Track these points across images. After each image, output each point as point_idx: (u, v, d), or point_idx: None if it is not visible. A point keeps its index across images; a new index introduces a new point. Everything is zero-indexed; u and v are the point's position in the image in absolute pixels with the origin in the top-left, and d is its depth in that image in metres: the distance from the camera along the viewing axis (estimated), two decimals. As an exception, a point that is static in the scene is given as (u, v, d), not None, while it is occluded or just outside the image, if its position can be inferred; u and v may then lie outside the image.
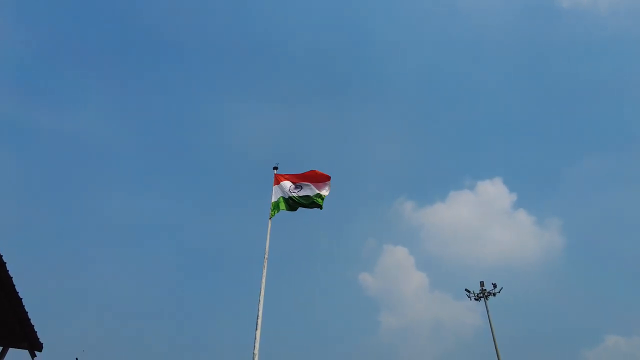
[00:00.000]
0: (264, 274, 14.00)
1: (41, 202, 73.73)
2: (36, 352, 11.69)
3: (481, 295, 30.93)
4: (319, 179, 17.87)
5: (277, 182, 17.86)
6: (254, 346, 11.86)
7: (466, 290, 31.05)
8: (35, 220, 69.89)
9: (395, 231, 76.06)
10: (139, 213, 76.33)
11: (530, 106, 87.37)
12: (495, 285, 30.58)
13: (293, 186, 17.77)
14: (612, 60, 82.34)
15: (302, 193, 17.44)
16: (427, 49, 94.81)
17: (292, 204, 17.34)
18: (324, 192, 17.49)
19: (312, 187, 17.56)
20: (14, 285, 9.41)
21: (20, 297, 9.86)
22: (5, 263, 8.77)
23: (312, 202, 17.17)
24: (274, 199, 17.08)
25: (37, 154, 79.72)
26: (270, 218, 16.22)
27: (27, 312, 10.39)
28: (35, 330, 11.10)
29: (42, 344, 11.78)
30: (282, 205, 17.18)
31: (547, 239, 66.54)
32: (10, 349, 11.63)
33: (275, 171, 17.99)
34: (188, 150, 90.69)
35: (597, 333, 49.89)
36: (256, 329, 12.24)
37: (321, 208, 17.15)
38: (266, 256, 14.58)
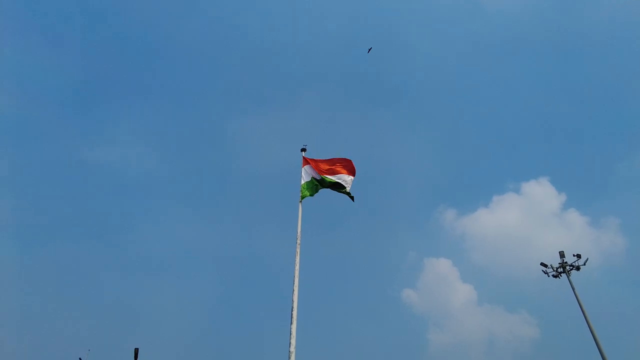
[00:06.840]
0: (297, 260, 12.29)
1: (85, 234, 75.72)
2: None
3: (561, 270, 27.10)
4: (348, 167, 16.46)
5: (306, 163, 16.60)
6: (290, 343, 10.03)
7: (542, 264, 27.30)
8: (78, 251, 71.82)
9: (436, 242, 71.31)
10: (179, 239, 76.43)
11: (572, 102, 79.45)
12: (579, 256, 26.60)
13: (325, 171, 16.44)
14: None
15: (335, 179, 16.07)
16: (458, 50, 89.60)
17: (325, 184, 15.99)
18: (349, 184, 16.08)
19: (344, 176, 16.14)
20: None
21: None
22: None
23: (343, 191, 15.96)
24: (303, 181, 15.78)
25: (73, 188, 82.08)
26: (300, 201, 14.77)
27: None
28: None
29: None
30: (312, 190, 15.89)
31: (606, 240, 59.00)
32: None
33: (303, 153, 16.90)
34: (222, 170, 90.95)
35: (672, 343, 43.16)
36: (291, 323, 10.44)
37: (353, 199, 15.68)
38: (298, 241, 12.93)
